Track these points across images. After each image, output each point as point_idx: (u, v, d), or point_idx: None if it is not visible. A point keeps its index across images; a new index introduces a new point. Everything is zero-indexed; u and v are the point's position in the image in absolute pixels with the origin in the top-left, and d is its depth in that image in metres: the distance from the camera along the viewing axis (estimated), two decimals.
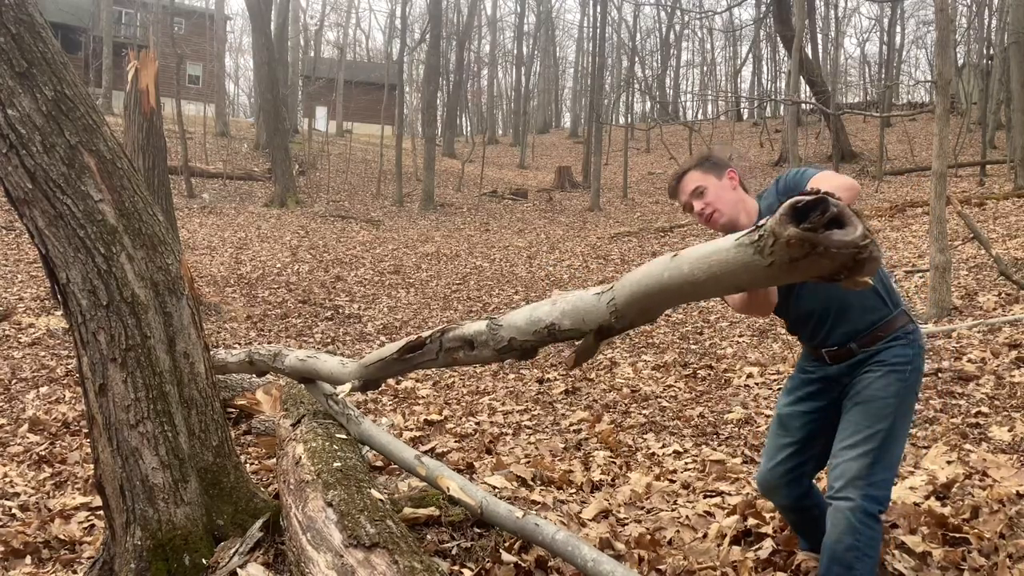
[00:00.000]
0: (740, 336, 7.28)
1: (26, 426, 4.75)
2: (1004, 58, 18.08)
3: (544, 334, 1.79)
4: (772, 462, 2.40)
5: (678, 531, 2.95)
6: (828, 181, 1.97)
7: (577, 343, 1.82)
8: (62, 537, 3.14)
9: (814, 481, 2.47)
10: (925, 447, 3.77)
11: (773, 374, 5.62)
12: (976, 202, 13.36)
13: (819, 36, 27.61)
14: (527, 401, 5.54)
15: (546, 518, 2.65)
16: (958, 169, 18.01)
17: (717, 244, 1.31)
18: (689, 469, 3.81)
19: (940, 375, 4.96)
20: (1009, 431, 3.86)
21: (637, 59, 40.05)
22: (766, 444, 2.48)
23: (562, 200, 23.92)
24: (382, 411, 5.32)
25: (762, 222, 1.22)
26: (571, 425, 4.83)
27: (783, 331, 6.94)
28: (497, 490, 3.34)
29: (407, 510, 2.79)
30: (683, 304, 9.08)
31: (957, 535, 2.69)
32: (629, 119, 38.61)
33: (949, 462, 3.41)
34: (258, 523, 2.57)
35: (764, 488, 2.46)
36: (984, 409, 4.30)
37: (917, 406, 4.37)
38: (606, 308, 1.61)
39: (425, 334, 2.20)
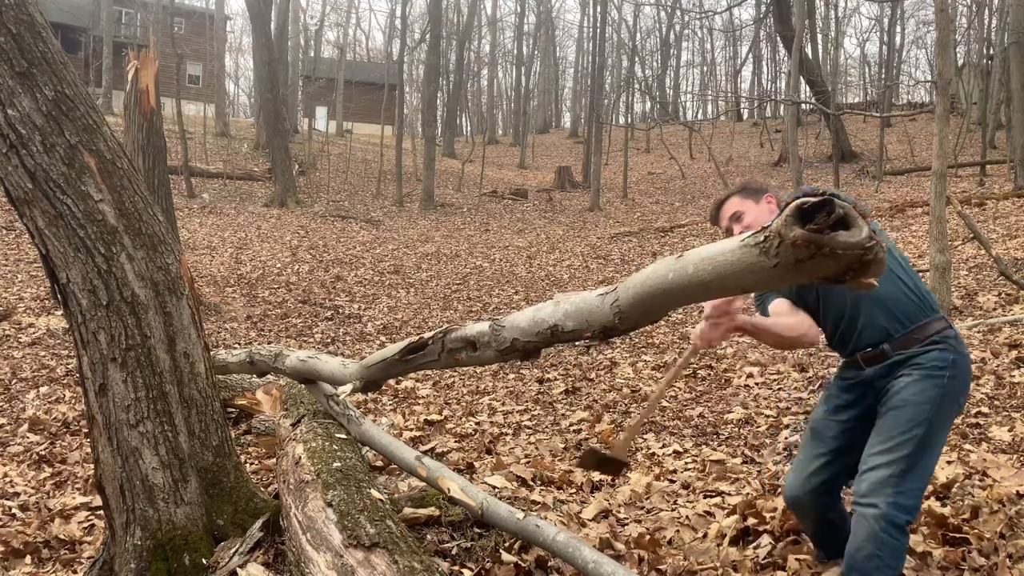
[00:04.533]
0: (740, 336, 7.27)
1: (26, 426, 4.75)
2: (1004, 58, 18.07)
3: (547, 335, 1.79)
4: (804, 474, 2.32)
5: (678, 531, 2.95)
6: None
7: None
8: (62, 537, 3.15)
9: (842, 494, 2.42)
10: None
11: (773, 374, 5.62)
12: (976, 202, 13.35)
13: (819, 36, 27.60)
14: (527, 401, 5.54)
15: (546, 518, 2.66)
16: (958, 169, 17.99)
17: (723, 245, 1.31)
18: (689, 469, 3.81)
19: None
20: (1009, 431, 3.86)
21: (637, 59, 40.03)
22: (798, 456, 2.41)
23: (562, 200, 23.92)
24: (382, 411, 5.32)
25: (767, 223, 1.22)
26: (571, 425, 4.83)
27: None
28: (497, 490, 3.34)
29: (407, 510, 2.80)
30: (688, 305, 9.05)
31: (957, 535, 2.69)
32: (629, 119, 38.60)
33: (949, 462, 3.41)
34: (258, 523, 2.57)
35: (792, 501, 2.37)
36: (984, 409, 4.29)
37: None
38: (610, 309, 1.61)
39: (427, 335, 2.20)
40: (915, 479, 2.04)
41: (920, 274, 8.22)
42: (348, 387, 2.77)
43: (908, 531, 2.05)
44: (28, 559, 2.96)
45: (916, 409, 2.05)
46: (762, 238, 1.21)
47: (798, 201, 1.17)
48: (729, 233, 2.37)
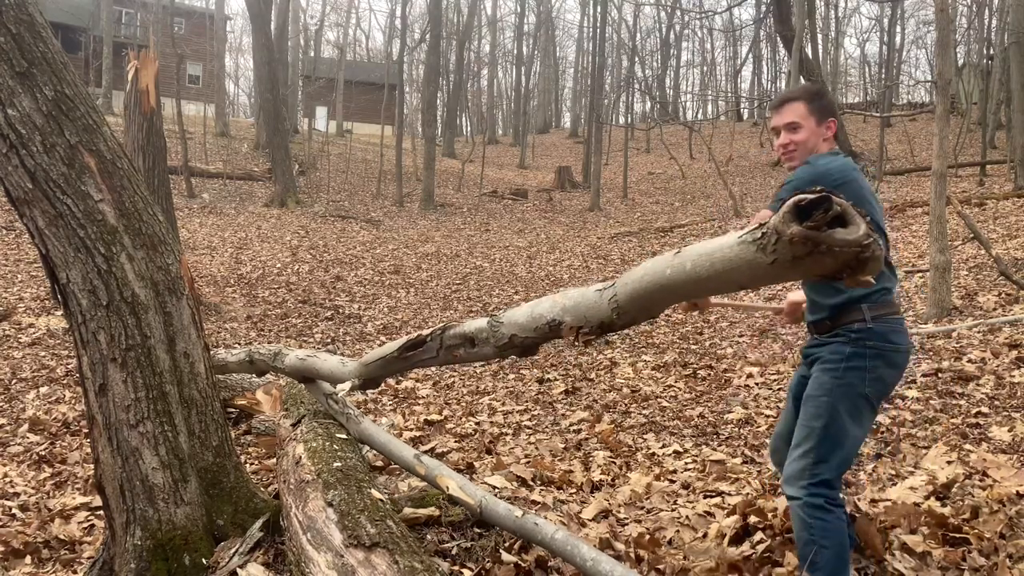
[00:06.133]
0: (740, 336, 7.28)
1: (26, 426, 4.75)
2: (1004, 58, 18.06)
3: (545, 330, 1.79)
4: (780, 423, 2.49)
5: (678, 531, 2.95)
6: None
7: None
8: (62, 537, 3.14)
9: None
10: (925, 447, 3.77)
11: (773, 374, 5.62)
12: (976, 202, 13.35)
13: (819, 36, 27.61)
14: (527, 401, 5.54)
15: (546, 518, 2.65)
16: (958, 169, 17.99)
17: (720, 241, 1.31)
18: (689, 469, 3.81)
19: (940, 375, 4.95)
20: (1009, 431, 3.86)
21: (637, 59, 40.04)
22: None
23: (562, 200, 23.92)
24: (382, 411, 5.32)
25: (765, 220, 1.22)
26: (571, 425, 4.83)
27: (783, 331, 6.94)
28: (497, 490, 3.33)
29: (407, 510, 2.79)
30: (685, 301, 9.05)
31: (957, 535, 2.68)
32: (629, 119, 38.60)
33: (949, 462, 3.40)
34: (258, 523, 2.57)
35: (771, 450, 2.53)
36: (984, 409, 4.29)
37: (917, 406, 4.39)
38: (608, 305, 1.61)
39: (426, 332, 2.20)
40: (828, 468, 2.11)
41: (920, 274, 8.21)
42: (347, 385, 2.77)
43: (832, 508, 2.08)
44: (28, 559, 2.96)
45: (815, 402, 2.15)
46: (759, 235, 1.21)
47: (796, 198, 1.17)
48: (776, 132, 2.30)
